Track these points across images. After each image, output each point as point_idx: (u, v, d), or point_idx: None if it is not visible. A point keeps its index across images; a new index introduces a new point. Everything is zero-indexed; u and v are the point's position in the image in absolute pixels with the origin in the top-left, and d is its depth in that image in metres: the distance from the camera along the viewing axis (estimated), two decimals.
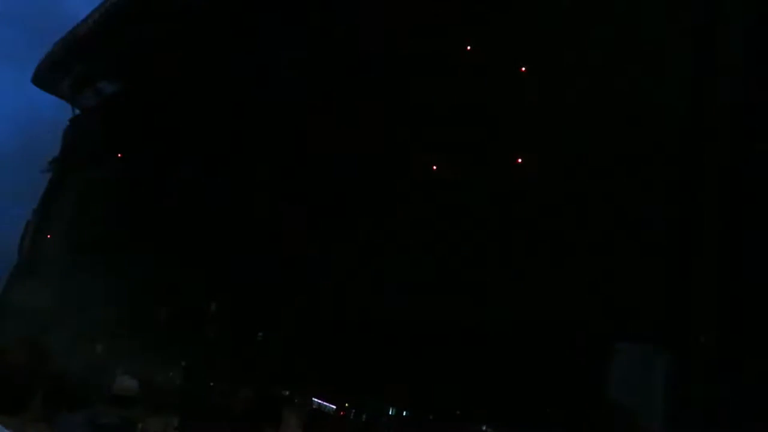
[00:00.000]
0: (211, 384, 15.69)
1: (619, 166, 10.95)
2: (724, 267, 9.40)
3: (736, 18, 10.41)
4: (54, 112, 31.09)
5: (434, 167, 14.35)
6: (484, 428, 11.83)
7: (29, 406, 1.99)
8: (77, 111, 29.04)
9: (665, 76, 10.90)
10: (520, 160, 12.74)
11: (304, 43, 18.02)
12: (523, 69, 13.36)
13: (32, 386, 2.04)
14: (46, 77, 27.64)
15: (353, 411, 13.06)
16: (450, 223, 13.32)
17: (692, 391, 9.07)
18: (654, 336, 10.02)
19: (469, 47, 14.78)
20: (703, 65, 10.53)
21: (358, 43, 16.43)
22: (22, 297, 25.02)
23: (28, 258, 28.40)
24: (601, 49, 11.86)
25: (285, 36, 18.51)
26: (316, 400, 13.06)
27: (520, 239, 11.83)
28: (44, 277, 23.62)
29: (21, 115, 69.35)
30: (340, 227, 15.80)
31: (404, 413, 12.79)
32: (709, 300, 9.42)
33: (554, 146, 12.06)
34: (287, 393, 12.83)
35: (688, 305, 9.52)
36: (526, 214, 11.97)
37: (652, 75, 10.99)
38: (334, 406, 13.17)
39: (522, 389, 10.84)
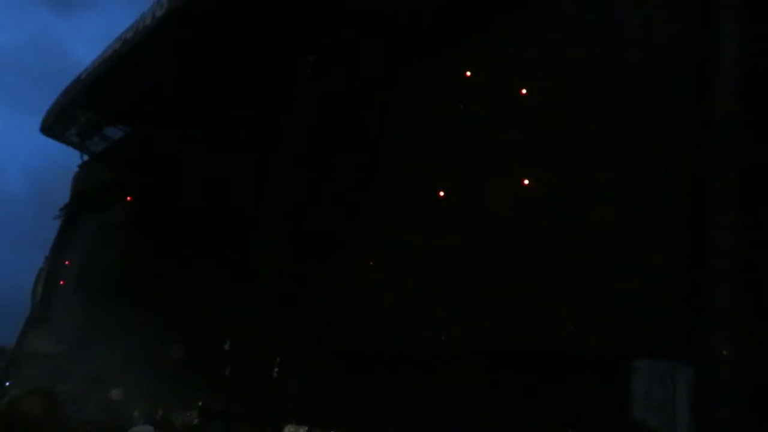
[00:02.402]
0: (230, 424, 15.55)
1: (631, 179, 10.90)
2: (745, 278, 9.27)
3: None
4: (64, 158, 31.54)
5: (441, 193, 14.40)
6: None
7: None
8: (86, 157, 29.45)
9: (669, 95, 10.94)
10: (526, 182, 12.74)
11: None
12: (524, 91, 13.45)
13: None
14: (54, 126, 28.06)
15: None
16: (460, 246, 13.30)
17: (715, 406, 8.89)
18: (674, 351, 9.86)
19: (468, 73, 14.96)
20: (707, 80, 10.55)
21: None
22: (35, 345, 25.08)
23: (41, 305, 28.52)
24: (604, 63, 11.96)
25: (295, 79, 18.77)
26: None
27: (535, 258, 11.76)
28: (57, 324, 23.65)
29: (33, 161, 70.53)
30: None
31: None
32: (730, 312, 9.27)
33: (563, 165, 12.07)
34: (307, 429, 12.69)
35: (709, 318, 9.37)
36: (538, 233, 11.92)
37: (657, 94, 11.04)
38: None
39: (535, 411, 10.67)
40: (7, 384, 21.28)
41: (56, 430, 1.88)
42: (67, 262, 27.50)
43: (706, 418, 8.96)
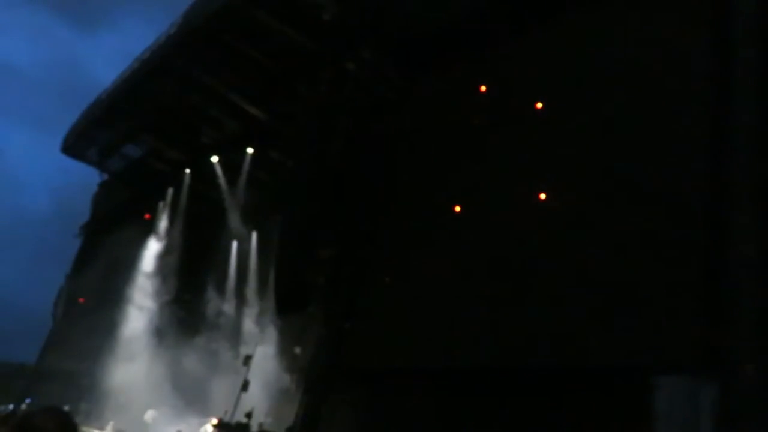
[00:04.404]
0: None
1: (651, 191, 10.73)
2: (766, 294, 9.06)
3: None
4: (85, 177, 32.02)
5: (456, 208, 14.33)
6: None
7: None
8: (105, 176, 29.86)
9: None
10: (542, 196, 12.63)
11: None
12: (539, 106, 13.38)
13: None
14: (74, 146, 28.58)
15: None
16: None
17: (739, 423, 8.66)
18: (698, 368, 9.64)
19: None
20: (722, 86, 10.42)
21: None
22: (56, 362, 25.30)
23: (62, 323, 28.80)
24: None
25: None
26: None
27: (555, 274, 11.60)
28: (78, 341, 23.84)
29: (54, 179, 71.84)
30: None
31: None
32: (755, 328, 9.05)
33: (581, 177, 11.95)
34: None
35: (733, 334, 9.16)
36: (557, 248, 11.77)
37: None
38: None
39: (558, 429, 10.48)
40: (27, 401, 21.45)
41: None
42: (86, 281, 27.79)
43: None
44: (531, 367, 11.64)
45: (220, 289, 22.45)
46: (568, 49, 13.25)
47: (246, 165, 21.64)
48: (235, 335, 20.80)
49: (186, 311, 22.98)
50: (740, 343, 9.03)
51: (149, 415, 19.49)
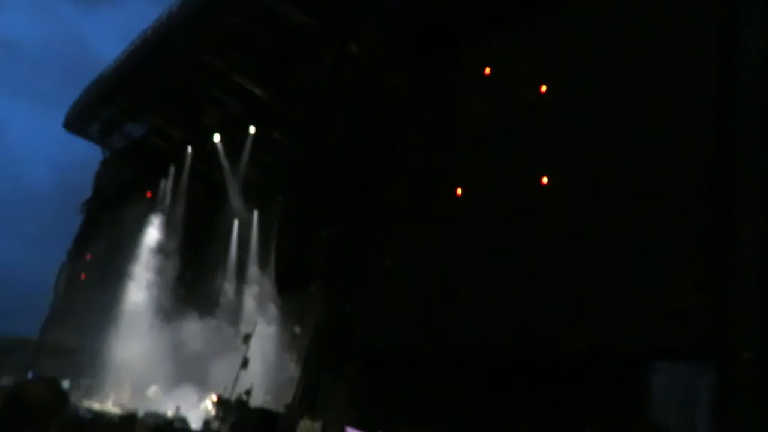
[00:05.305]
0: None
1: (655, 179, 10.71)
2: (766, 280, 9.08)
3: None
4: (88, 153, 31.99)
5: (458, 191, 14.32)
6: None
7: None
8: (107, 153, 29.86)
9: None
10: (545, 180, 12.61)
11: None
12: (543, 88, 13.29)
13: (50, 420, 2.05)
14: (76, 123, 28.53)
15: None
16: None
17: (737, 409, 8.73)
18: (696, 354, 9.70)
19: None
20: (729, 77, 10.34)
21: None
22: (58, 337, 25.48)
23: (63, 299, 28.99)
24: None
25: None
26: (350, 429, 12.90)
27: (558, 260, 11.62)
28: (79, 317, 24.00)
29: (57, 156, 71.79)
30: None
31: None
32: (753, 315, 9.09)
33: (584, 165, 11.93)
34: (321, 423, 12.72)
35: (731, 320, 9.19)
36: (561, 234, 11.78)
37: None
38: None
39: (558, 413, 10.56)
40: (29, 375, 21.67)
41: (60, 418, 1.89)
42: (88, 257, 27.89)
43: (727, 419, 8.82)
44: (530, 351, 11.71)
45: (221, 267, 22.53)
46: (573, 31, 13.12)
47: (248, 144, 21.61)
48: (236, 313, 20.91)
49: (187, 289, 23.08)
50: (738, 329, 9.08)
51: (152, 390, 19.67)
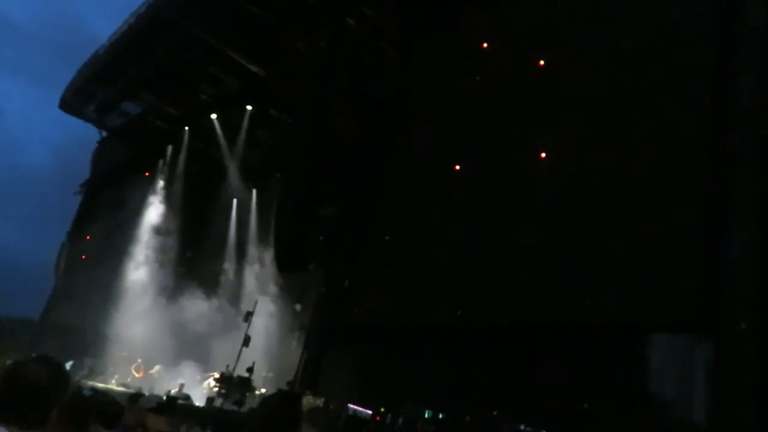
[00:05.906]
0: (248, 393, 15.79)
1: (651, 153, 10.72)
2: (762, 254, 9.12)
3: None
4: (85, 133, 31.80)
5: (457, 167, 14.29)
6: (522, 427, 11.69)
7: (49, 421, 1.96)
8: (104, 133, 29.65)
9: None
10: (543, 155, 12.59)
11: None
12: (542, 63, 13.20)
13: (50, 401, 2.02)
14: (72, 103, 28.27)
15: (389, 415, 13.01)
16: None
17: (733, 379, 8.81)
18: (693, 326, 9.77)
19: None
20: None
21: None
22: (60, 317, 25.60)
23: (65, 279, 29.04)
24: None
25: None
26: (351, 406, 13.05)
27: (554, 234, 11.65)
28: (81, 296, 24.08)
29: (54, 135, 71.39)
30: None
31: (440, 416, 12.72)
32: (750, 287, 9.14)
33: (585, 142, 11.91)
34: (323, 400, 12.85)
35: (728, 292, 9.25)
36: (556, 208, 11.80)
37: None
38: (371, 411, 13.14)
39: (557, 386, 10.67)
40: (33, 356, 21.79)
41: (61, 399, 1.87)
42: (88, 237, 27.87)
43: (724, 391, 8.92)
44: (531, 324, 11.79)
45: (221, 246, 22.56)
46: (572, 7, 13.02)
47: (245, 122, 21.48)
48: (237, 292, 21.01)
49: (188, 268, 23.15)
50: (734, 301, 9.14)
51: (156, 369, 19.83)
